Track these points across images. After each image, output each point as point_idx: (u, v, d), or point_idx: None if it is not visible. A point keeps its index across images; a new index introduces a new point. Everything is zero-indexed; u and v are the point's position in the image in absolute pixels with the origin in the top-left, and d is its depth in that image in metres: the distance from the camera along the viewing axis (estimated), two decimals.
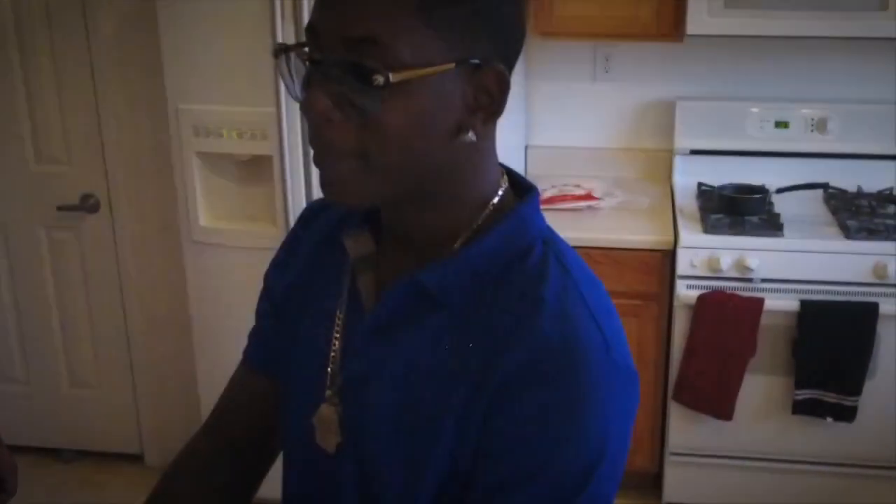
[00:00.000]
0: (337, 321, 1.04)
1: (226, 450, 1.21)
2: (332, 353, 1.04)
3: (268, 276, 1.19)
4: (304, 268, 1.13)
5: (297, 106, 2.63)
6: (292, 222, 2.70)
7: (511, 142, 3.21)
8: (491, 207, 0.99)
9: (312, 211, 1.18)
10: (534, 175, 3.34)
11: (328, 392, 1.04)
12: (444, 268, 0.97)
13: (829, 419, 2.83)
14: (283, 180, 2.70)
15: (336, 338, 1.04)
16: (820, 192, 3.13)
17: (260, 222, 2.80)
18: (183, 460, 1.21)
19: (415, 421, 0.96)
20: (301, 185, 2.74)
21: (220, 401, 1.24)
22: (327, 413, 1.03)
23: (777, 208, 2.98)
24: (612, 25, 2.99)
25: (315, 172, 2.56)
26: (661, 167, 3.39)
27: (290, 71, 0.93)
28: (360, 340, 1.01)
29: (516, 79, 2.98)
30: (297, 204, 2.75)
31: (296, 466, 1.13)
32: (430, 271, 0.97)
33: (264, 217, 2.77)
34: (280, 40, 2.58)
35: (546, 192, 3.13)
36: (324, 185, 0.94)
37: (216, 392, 1.24)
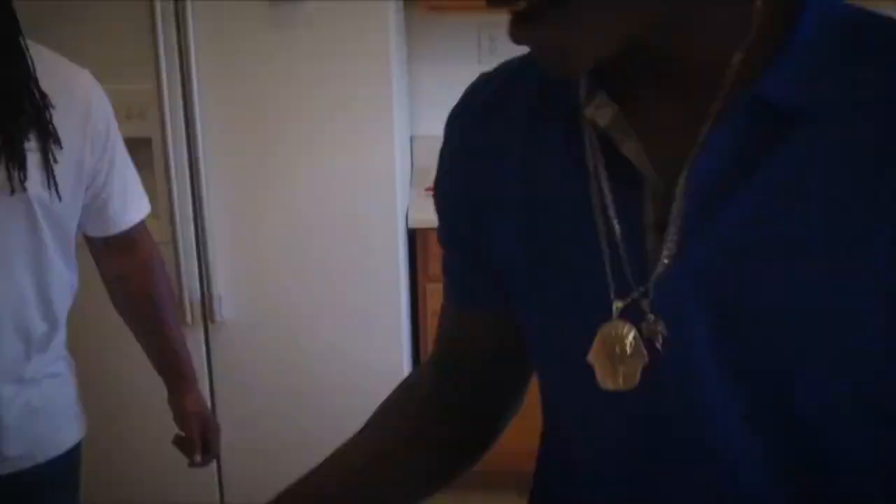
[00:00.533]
0: (598, 215, 0.77)
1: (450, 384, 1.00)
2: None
3: (444, 215, 0.95)
4: (498, 180, 0.86)
5: (178, 79, 2.54)
6: (178, 213, 2.48)
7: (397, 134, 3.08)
8: None
9: (464, 118, 0.91)
10: (421, 168, 3.18)
11: (617, 305, 0.76)
12: (784, 70, 0.70)
13: None
14: (166, 165, 2.44)
15: (614, 235, 0.77)
16: None
17: None
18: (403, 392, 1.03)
19: (816, 301, 0.70)
20: (185, 170, 2.49)
21: (439, 343, 1.03)
22: (619, 332, 0.76)
23: None
24: None
25: (203, 156, 2.41)
26: None
27: None
28: (690, 214, 0.73)
29: (399, 62, 2.91)
30: (183, 191, 2.48)
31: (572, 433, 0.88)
32: (772, 81, 0.70)
33: None
34: (158, 5, 2.32)
35: None
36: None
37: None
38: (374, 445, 1.00)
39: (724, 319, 0.73)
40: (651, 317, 0.75)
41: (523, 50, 0.82)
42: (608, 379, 0.77)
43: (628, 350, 0.76)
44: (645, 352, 0.75)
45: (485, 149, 0.87)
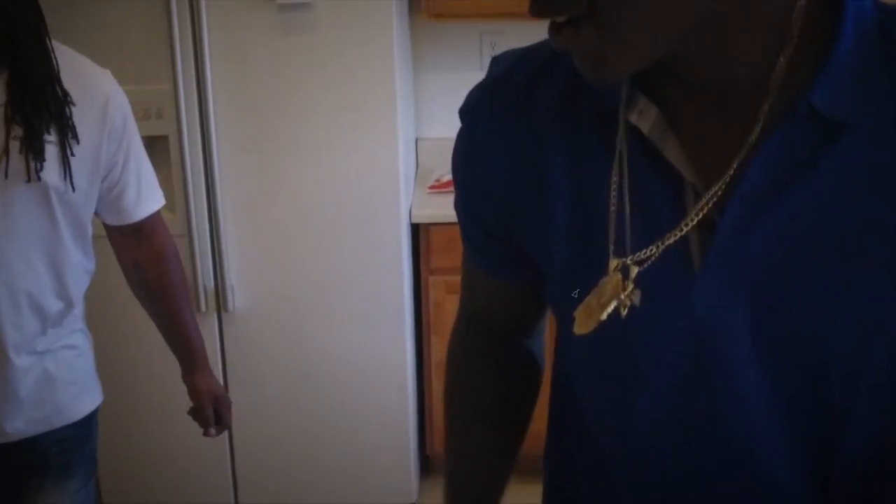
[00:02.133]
0: (630, 209, 0.81)
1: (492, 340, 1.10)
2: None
3: (465, 190, 0.98)
4: (534, 161, 0.88)
5: (194, 81, 2.63)
6: (193, 207, 2.58)
7: (402, 134, 3.16)
8: (802, 2, 0.73)
9: (499, 96, 0.91)
10: (426, 168, 3.28)
11: (613, 262, 0.81)
12: (832, 80, 0.73)
13: None
14: (182, 162, 2.53)
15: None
16: None
17: None
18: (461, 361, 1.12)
19: (854, 297, 0.76)
20: (200, 167, 2.58)
21: (467, 302, 1.10)
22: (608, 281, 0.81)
23: None
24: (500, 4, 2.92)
25: (216, 153, 2.49)
26: None
27: None
28: (741, 214, 0.76)
29: (404, 66, 2.98)
30: (197, 186, 2.58)
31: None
32: (821, 91, 0.73)
33: None
34: (174, 12, 2.43)
35: (444, 177, 3.06)
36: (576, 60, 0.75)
37: None
38: (483, 434, 1.11)
39: (765, 309, 0.77)
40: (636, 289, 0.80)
41: None
42: (581, 325, 0.82)
43: (608, 293, 0.80)
44: (614, 302, 0.80)
45: (521, 129, 0.88)
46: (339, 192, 2.64)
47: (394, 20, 2.54)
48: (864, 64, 0.74)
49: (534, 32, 0.75)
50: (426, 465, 3.18)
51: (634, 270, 0.79)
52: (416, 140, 3.35)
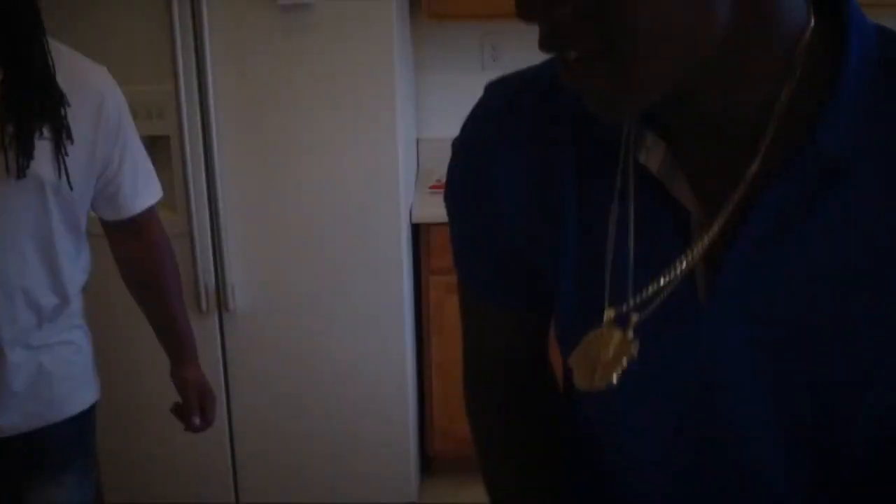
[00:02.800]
0: (633, 240, 0.80)
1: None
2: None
3: (467, 215, 0.95)
4: (529, 207, 0.87)
5: (195, 81, 2.65)
6: (194, 206, 2.58)
7: (402, 135, 3.16)
8: (806, 38, 0.73)
9: (482, 141, 0.89)
10: (427, 168, 3.29)
11: (609, 314, 0.80)
12: (837, 119, 0.72)
13: None
14: (183, 161, 2.54)
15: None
16: None
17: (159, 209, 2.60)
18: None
19: (860, 331, 0.76)
20: (201, 166, 2.58)
21: (471, 346, 1.05)
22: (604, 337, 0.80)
23: None
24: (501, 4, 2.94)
25: (217, 153, 2.50)
26: None
27: None
28: (747, 251, 0.76)
29: (404, 67, 2.99)
30: (198, 186, 2.59)
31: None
32: (827, 131, 0.72)
33: (163, 203, 2.58)
34: (175, 12, 2.43)
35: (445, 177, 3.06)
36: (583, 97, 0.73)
37: None
38: (526, 481, 1.04)
39: (770, 340, 0.77)
40: (631, 334, 0.79)
41: (525, 60, 0.87)
42: (583, 380, 0.81)
43: (611, 353, 0.79)
44: (624, 361, 0.78)
45: (532, 161, 0.86)
46: (340, 192, 2.65)
47: (394, 21, 2.54)
48: (868, 101, 0.73)
49: (535, 35, 0.74)
50: (426, 465, 3.18)
51: (634, 319, 0.79)
52: (417, 140, 3.36)
